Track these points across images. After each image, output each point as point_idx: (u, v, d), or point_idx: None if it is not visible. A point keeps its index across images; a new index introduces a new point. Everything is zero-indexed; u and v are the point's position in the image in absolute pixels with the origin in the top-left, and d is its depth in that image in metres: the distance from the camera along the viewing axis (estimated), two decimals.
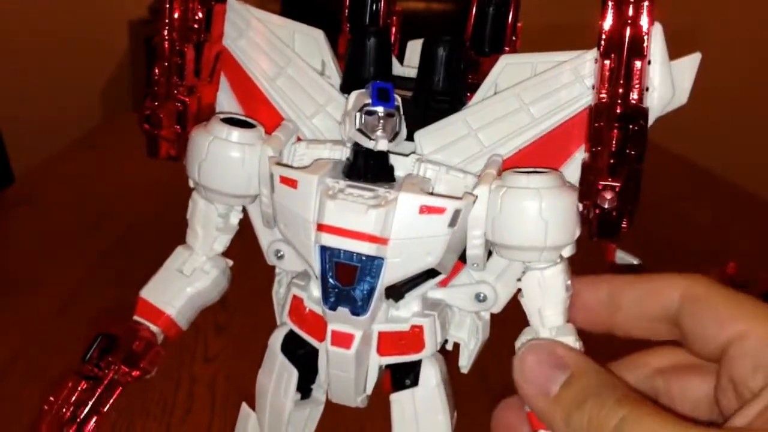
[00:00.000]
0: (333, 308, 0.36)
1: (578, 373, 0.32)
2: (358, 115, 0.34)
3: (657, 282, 0.36)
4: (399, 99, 0.35)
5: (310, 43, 0.40)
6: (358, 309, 0.36)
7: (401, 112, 0.35)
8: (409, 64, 0.42)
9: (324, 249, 0.35)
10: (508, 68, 0.38)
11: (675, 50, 0.35)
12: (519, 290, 0.37)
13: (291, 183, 0.35)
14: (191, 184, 0.40)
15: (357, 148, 0.36)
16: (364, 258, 0.35)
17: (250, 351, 0.77)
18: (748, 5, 2.50)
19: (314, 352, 0.39)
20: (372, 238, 0.34)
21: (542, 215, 0.34)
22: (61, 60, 2.59)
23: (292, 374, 0.40)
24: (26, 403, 0.68)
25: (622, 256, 0.85)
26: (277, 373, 0.40)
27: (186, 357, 0.76)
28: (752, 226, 1.21)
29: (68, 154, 1.49)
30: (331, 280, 0.35)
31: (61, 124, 2.18)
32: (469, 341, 0.41)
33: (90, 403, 0.37)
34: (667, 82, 0.35)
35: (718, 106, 2.40)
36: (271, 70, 0.40)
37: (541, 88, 0.36)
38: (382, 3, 0.43)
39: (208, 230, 0.40)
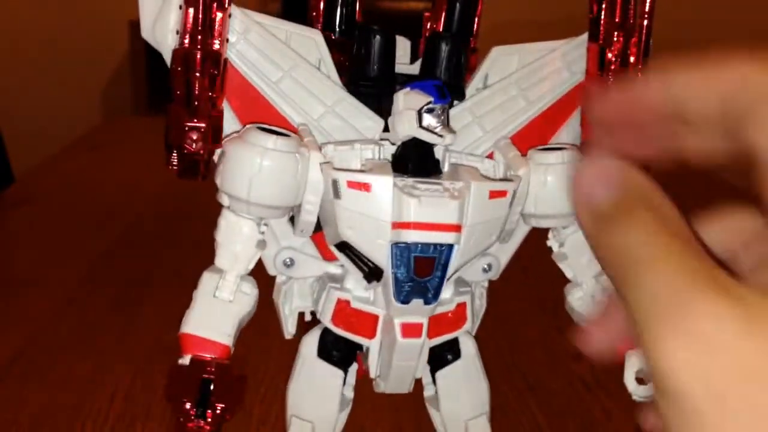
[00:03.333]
0: (407, 302, 0.37)
1: (626, 191, 0.25)
2: (416, 114, 0.36)
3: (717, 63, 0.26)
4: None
5: (306, 44, 0.40)
6: (430, 298, 0.37)
7: (449, 108, 0.37)
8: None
9: (401, 246, 0.36)
10: (499, 58, 0.41)
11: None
12: (552, 253, 0.42)
13: (363, 187, 0.36)
14: (225, 202, 0.38)
15: (409, 143, 0.37)
16: (441, 248, 0.36)
17: (251, 352, 0.78)
18: (749, 3, 2.50)
19: (350, 353, 0.40)
20: (455, 228, 0.36)
21: None
22: (61, 60, 2.59)
23: (336, 376, 0.40)
24: (26, 403, 0.67)
25: None
26: (318, 380, 0.40)
27: None
28: None
29: (68, 154, 1.49)
30: (406, 275, 0.37)
31: (61, 124, 2.18)
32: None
33: None
34: None
35: None
36: (273, 74, 0.39)
37: (535, 75, 0.41)
38: (357, 5, 0.43)
39: (249, 249, 0.39)
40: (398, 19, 0.44)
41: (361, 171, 0.36)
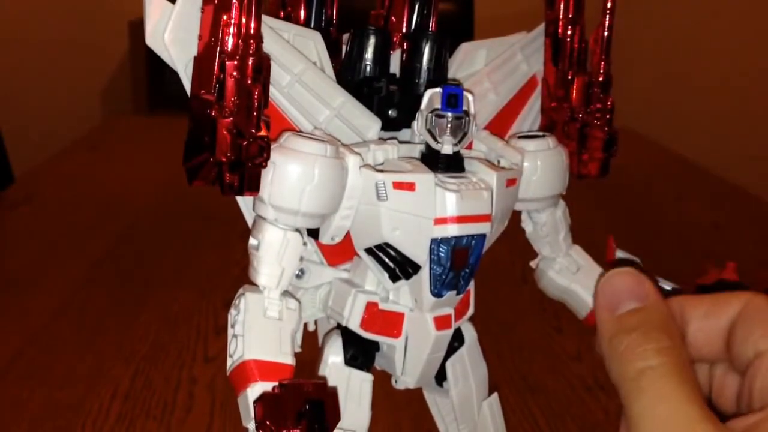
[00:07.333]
0: (441, 295, 0.38)
1: (648, 307, 0.33)
2: (429, 116, 0.36)
3: (724, 295, 0.35)
4: (471, 99, 0.37)
5: (305, 45, 0.39)
6: (461, 288, 0.38)
7: (470, 115, 0.37)
8: None
9: (440, 241, 0.36)
10: (468, 53, 0.43)
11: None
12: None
13: (408, 186, 0.36)
14: (271, 215, 0.36)
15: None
16: (474, 239, 0.37)
17: None
18: (749, 3, 2.50)
19: (371, 355, 0.40)
20: (488, 218, 0.37)
21: (563, 167, 0.42)
22: (61, 60, 2.59)
23: (366, 381, 0.40)
24: (26, 403, 0.68)
25: (622, 257, 0.85)
26: (352, 389, 0.40)
27: (186, 357, 0.76)
28: (752, 226, 1.21)
29: (68, 154, 1.49)
30: (444, 269, 0.37)
31: (61, 125, 2.18)
32: None
33: None
34: None
35: (718, 105, 2.39)
36: (283, 78, 0.38)
37: (502, 69, 0.44)
38: (335, 8, 0.43)
39: (294, 262, 0.37)
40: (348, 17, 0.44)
41: (402, 171, 0.36)
